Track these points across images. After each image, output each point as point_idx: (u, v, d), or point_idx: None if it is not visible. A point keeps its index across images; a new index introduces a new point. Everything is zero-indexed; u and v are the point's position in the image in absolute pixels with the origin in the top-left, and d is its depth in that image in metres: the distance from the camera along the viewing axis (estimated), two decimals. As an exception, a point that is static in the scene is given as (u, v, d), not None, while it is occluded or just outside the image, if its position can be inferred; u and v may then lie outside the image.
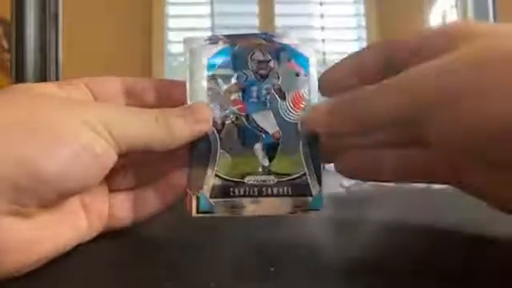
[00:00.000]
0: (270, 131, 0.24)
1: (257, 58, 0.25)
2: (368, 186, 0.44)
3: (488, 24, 0.21)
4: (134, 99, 0.25)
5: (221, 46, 0.25)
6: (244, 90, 0.25)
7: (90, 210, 0.22)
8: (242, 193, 0.23)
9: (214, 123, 0.24)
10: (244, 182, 0.24)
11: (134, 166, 0.25)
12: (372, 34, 1.35)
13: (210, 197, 0.23)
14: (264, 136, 0.24)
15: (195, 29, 1.34)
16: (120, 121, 0.21)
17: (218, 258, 0.21)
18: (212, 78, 0.25)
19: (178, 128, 0.22)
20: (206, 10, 1.36)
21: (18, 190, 0.17)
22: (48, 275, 0.19)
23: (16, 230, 0.18)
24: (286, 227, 0.26)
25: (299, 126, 0.24)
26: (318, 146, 0.24)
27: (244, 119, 0.24)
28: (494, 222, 0.25)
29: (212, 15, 1.35)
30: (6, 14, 0.66)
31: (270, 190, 0.24)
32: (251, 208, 0.23)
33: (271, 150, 0.24)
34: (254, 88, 0.25)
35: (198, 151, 0.24)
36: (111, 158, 0.20)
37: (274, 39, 0.25)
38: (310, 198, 0.24)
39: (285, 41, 0.25)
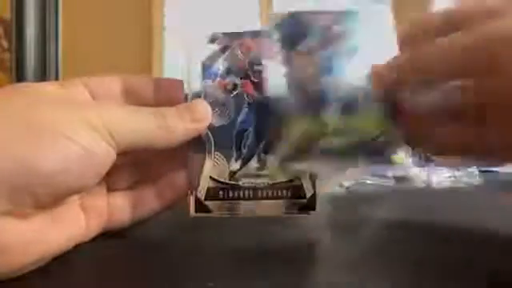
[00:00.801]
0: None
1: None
2: (368, 186, 0.44)
3: None
4: (133, 98, 0.25)
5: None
6: None
7: (88, 210, 0.22)
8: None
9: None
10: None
11: (133, 165, 0.25)
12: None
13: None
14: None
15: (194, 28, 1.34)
16: (119, 119, 0.20)
17: (216, 258, 0.21)
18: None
19: (177, 126, 0.22)
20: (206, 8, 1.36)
21: (17, 189, 0.17)
22: (48, 275, 0.19)
23: (15, 231, 0.18)
24: (285, 227, 0.26)
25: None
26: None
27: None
28: (494, 222, 0.25)
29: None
30: (5, 13, 0.66)
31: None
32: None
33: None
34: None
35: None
36: (110, 157, 0.20)
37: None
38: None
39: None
